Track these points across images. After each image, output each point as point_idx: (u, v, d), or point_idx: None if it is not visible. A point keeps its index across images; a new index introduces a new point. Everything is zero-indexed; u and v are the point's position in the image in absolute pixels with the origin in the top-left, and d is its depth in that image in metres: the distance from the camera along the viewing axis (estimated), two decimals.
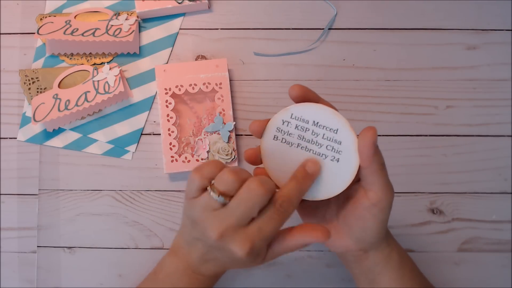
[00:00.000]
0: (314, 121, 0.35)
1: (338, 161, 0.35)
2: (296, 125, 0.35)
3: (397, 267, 0.40)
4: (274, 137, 0.36)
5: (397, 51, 0.56)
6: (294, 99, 0.35)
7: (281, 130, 0.35)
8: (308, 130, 0.35)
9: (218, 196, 0.33)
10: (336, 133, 0.34)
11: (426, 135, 0.55)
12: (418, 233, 0.54)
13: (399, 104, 0.55)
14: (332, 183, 0.35)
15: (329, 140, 0.35)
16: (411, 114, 0.55)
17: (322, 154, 0.35)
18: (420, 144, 0.55)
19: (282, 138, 0.36)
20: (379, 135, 0.55)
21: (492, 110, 0.55)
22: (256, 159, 0.36)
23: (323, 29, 0.56)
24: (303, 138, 0.35)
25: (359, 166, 0.34)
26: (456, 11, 0.56)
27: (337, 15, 0.56)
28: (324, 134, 0.35)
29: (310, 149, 0.35)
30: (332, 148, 0.35)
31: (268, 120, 0.36)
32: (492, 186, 0.54)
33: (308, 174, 0.34)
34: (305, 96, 0.35)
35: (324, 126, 0.35)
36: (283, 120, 0.35)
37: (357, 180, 0.35)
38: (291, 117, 0.35)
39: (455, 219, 0.54)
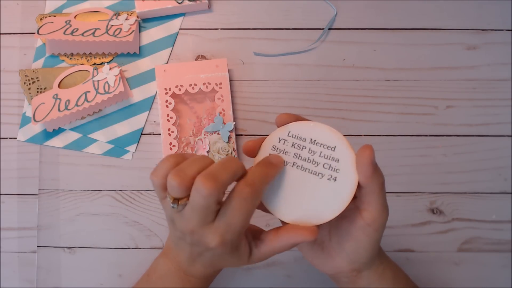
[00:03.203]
0: (311, 139, 0.34)
1: (335, 180, 0.33)
2: (293, 143, 0.34)
3: (391, 284, 0.39)
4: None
5: (397, 51, 0.56)
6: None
7: (277, 148, 0.34)
8: (305, 148, 0.34)
9: (172, 202, 0.31)
10: (334, 150, 0.33)
11: (426, 135, 0.55)
12: (418, 233, 0.54)
13: (399, 104, 0.55)
14: (329, 204, 0.33)
15: (326, 158, 0.34)
16: (411, 114, 0.55)
17: (319, 173, 0.34)
18: (420, 144, 0.55)
19: None
20: (379, 135, 0.55)
21: (492, 110, 0.55)
22: None
23: (323, 29, 0.56)
24: (299, 156, 0.34)
25: (358, 184, 0.33)
26: (456, 11, 0.56)
27: (337, 15, 0.56)
28: (321, 152, 0.34)
29: (306, 168, 0.34)
30: (329, 167, 0.34)
31: (262, 139, 0.35)
32: (492, 186, 0.54)
33: (272, 163, 0.33)
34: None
35: (321, 144, 0.34)
36: (279, 138, 0.34)
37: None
38: (288, 135, 0.34)
39: (455, 219, 0.54)
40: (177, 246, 0.37)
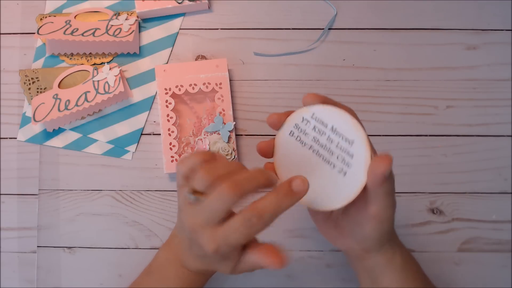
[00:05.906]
0: (332, 127, 0.33)
1: (345, 174, 0.33)
2: (314, 126, 0.34)
3: (399, 270, 0.39)
4: (290, 133, 0.35)
5: (397, 51, 0.56)
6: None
7: (299, 127, 0.35)
8: (325, 134, 0.34)
9: (191, 193, 0.32)
10: (351, 145, 0.33)
11: (426, 135, 0.55)
12: (418, 233, 0.54)
13: (399, 104, 0.55)
14: (332, 195, 0.33)
15: (342, 150, 0.33)
16: (411, 114, 0.55)
17: (331, 163, 0.33)
18: (420, 144, 0.55)
19: (298, 136, 0.35)
20: (379, 135, 0.55)
21: (492, 110, 0.55)
22: (268, 152, 0.36)
23: (323, 29, 0.56)
24: (317, 141, 0.34)
25: (365, 184, 0.33)
26: (456, 11, 0.56)
27: (337, 15, 0.56)
28: (338, 143, 0.33)
29: (321, 154, 0.34)
30: (343, 160, 0.33)
31: (288, 114, 0.35)
32: (492, 186, 0.54)
33: (292, 192, 0.32)
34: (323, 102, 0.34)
35: (341, 135, 0.33)
36: (303, 118, 0.35)
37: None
38: (311, 117, 0.34)
39: (455, 219, 0.54)
40: (180, 234, 0.38)
